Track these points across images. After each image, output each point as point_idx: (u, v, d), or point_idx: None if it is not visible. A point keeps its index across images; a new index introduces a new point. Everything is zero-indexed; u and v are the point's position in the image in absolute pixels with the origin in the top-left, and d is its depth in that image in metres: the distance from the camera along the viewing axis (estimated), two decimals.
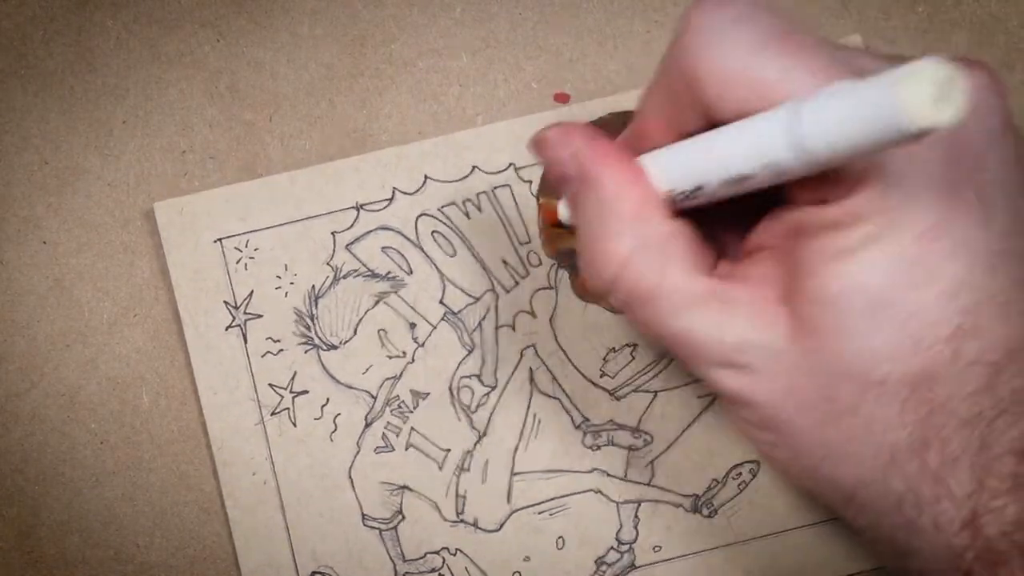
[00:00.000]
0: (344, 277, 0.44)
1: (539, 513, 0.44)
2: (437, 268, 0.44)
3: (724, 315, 0.32)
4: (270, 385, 0.44)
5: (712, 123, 0.32)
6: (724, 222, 0.36)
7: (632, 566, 0.44)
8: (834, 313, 0.31)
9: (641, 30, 0.45)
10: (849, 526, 0.34)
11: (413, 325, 0.44)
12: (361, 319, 0.44)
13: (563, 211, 0.40)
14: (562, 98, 0.45)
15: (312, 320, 0.44)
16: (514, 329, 0.44)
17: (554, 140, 0.35)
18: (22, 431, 0.45)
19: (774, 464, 0.34)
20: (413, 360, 0.44)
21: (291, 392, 0.44)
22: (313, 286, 0.44)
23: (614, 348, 0.44)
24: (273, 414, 0.44)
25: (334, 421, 0.44)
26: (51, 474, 0.44)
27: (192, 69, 0.46)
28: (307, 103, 0.45)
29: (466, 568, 0.44)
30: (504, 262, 0.44)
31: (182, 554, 0.44)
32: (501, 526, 0.44)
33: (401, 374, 0.44)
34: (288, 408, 0.44)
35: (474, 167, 0.45)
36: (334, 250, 0.44)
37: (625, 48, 0.45)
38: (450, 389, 0.44)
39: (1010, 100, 0.33)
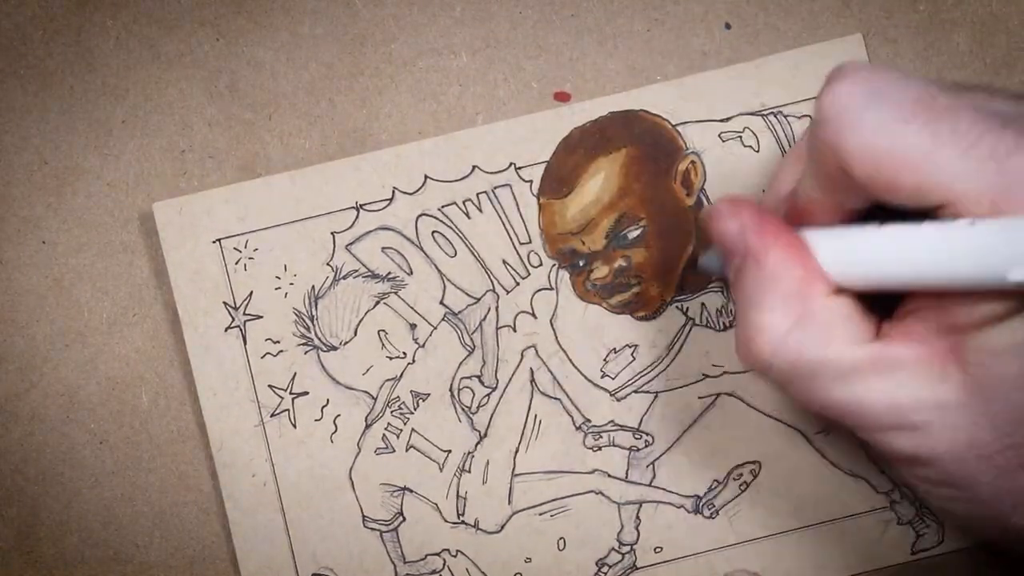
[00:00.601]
0: (344, 277, 0.44)
1: (540, 514, 0.44)
2: (437, 268, 0.44)
3: (893, 378, 0.32)
4: (270, 386, 0.44)
5: (872, 200, 0.32)
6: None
7: (633, 567, 0.43)
8: (1014, 361, 0.31)
9: (641, 29, 0.45)
10: None
11: (413, 326, 0.44)
12: (361, 320, 0.44)
13: (706, 260, 0.40)
14: (562, 97, 0.45)
15: (312, 321, 0.44)
16: (515, 330, 0.44)
17: (723, 213, 0.35)
18: (21, 431, 0.44)
19: (957, 518, 0.35)
20: (413, 361, 0.44)
21: (291, 393, 0.44)
22: (313, 287, 0.44)
23: (615, 349, 0.44)
24: (273, 415, 0.44)
25: (334, 422, 0.44)
26: (50, 474, 0.44)
27: (191, 69, 0.45)
28: (307, 103, 0.45)
29: (467, 569, 0.43)
30: (504, 262, 0.44)
31: (181, 554, 0.44)
32: (502, 527, 0.44)
33: (401, 375, 0.44)
34: (288, 409, 0.44)
35: (474, 167, 0.44)
36: (334, 250, 0.44)
37: (625, 47, 0.45)
38: (451, 390, 0.44)
39: None
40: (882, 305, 0.35)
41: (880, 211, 0.33)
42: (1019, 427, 0.31)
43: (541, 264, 0.44)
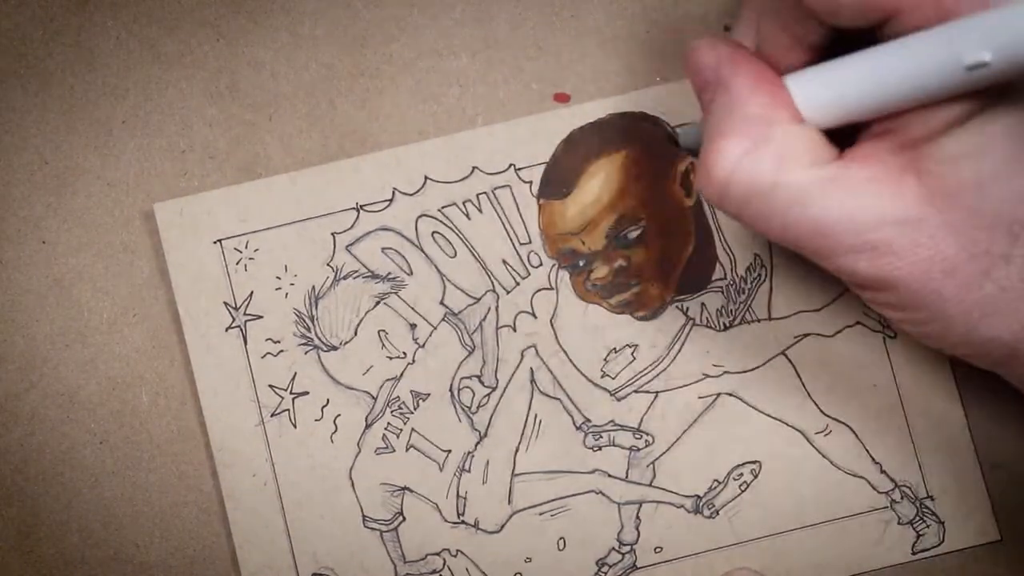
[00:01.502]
0: (344, 278, 0.44)
1: (540, 514, 0.44)
2: (437, 269, 0.44)
3: (852, 196, 0.32)
4: (270, 386, 0.44)
5: (827, 28, 0.32)
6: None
7: (633, 567, 0.43)
8: (971, 166, 0.30)
9: (641, 31, 0.45)
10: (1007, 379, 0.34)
11: (413, 326, 0.44)
12: (361, 320, 0.44)
13: (683, 136, 0.40)
14: (562, 98, 0.45)
15: (312, 321, 0.44)
16: (515, 330, 0.44)
17: (701, 47, 0.35)
18: (22, 431, 0.44)
19: (926, 340, 0.34)
20: (413, 361, 0.44)
21: (291, 393, 0.44)
22: (313, 287, 0.44)
23: (615, 348, 0.44)
24: (273, 415, 0.44)
25: (334, 422, 0.44)
26: (51, 474, 0.44)
27: (192, 69, 0.45)
28: (307, 103, 0.45)
29: (467, 569, 0.43)
30: (504, 263, 0.44)
31: (181, 554, 0.44)
32: (502, 527, 0.44)
33: (401, 375, 0.44)
34: (288, 409, 0.44)
35: (474, 168, 0.45)
36: (334, 251, 0.44)
37: (625, 49, 0.45)
38: (451, 390, 0.44)
39: None
40: (843, 139, 0.34)
41: (845, 47, 0.33)
42: (980, 233, 0.31)
43: (541, 264, 0.44)
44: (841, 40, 0.33)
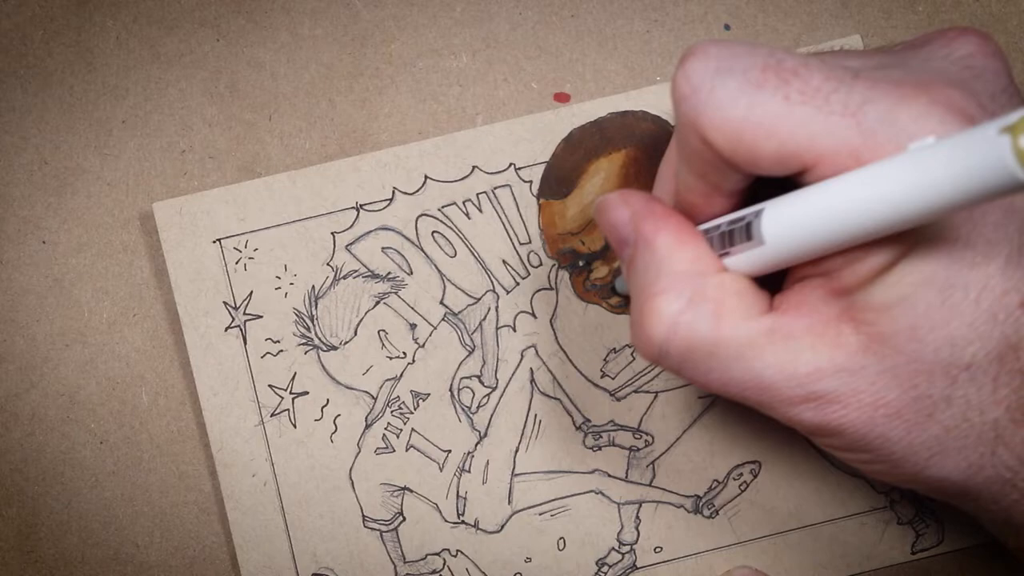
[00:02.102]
0: (344, 277, 0.44)
1: (540, 514, 0.44)
2: (437, 268, 0.44)
3: (789, 349, 0.32)
4: (270, 386, 0.44)
5: (743, 176, 0.32)
6: None
7: (633, 567, 0.43)
8: (904, 313, 0.30)
9: (641, 30, 0.45)
10: (960, 511, 0.34)
11: (413, 326, 0.44)
12: (361, 320, 0.44)
13: (619, 283, 0.41)
14: (562, 98, 0.45)
15: (312, 321, 0.44)
16: (514, 330, 0.44)
17: (613, 202, 0.35)
18: (22, 431, 0.44)
19: (878, 476, 0.34)
20: (413, 361, 0.44)
21: (291, 393, 0.44)
22: (313, 286, 0.44)
23: (615, 349, 0.44)
24: (273, 415, 0.44)
25: (334, 422, 0.44)
26: (51, 474, 0.44)
27: (192, 69, 0.45)
28: (307, 103, 0.45)
29: (467, 569, 0.43)
30: (504, 262, 0.44)
31: (181, 554, 0.44)
32: (502, 527, 0.44)
33: (401, 375, 0.44)
34: (288, 409, 0.44)
35: (474, 167, 0.44)
36: (334, 250, 0.44)
37: (625, 48, 0.45)
38: (450, 390, 0.44)
39: None
40: (770, 280, 0.34)
41: (761, 192, 0.33)
42: (920, 377, 0.31)
43: (541, 264, 0.44)
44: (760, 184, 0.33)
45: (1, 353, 0.45)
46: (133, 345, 0.44)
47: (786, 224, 0.31)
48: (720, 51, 0.31)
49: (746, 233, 0.32)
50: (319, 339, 0.44)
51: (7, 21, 0.46)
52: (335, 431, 0.44)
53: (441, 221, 0.44)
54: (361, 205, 0.44)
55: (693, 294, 0.33)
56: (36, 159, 0.45)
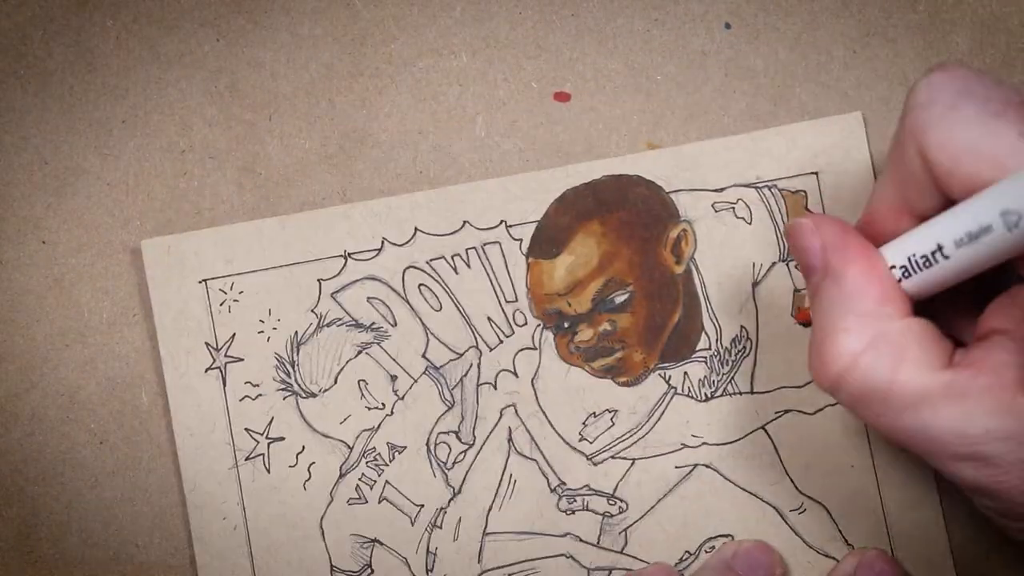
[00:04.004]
0: (327, 325, 0.44)
1: (510, 575, 0.44)
2: (422, 321, 0.44)
3: (963, 407, 0.32)
4: (246, 430, 0.44)
5: (946, 203, 0.32)
6: (959, 306, 0.36)
7: None
8: None
9: (641, 29, 0.45)
10: None
11: (394, 377, 0.44)
12: (342, 368, 0.44)
13: (802, 300, 0.42)
14: (562, 97, 0.45)
15: (293, 367, 0.44)
16: (495, 387, 0.44)
17: (807, 229, 0.36)
18: (22, 431, 0.44)
19: (1017, 534, 0.34)
20: (392, 413, 0.44)
21: (267, 438, 0.44)
22: (296, 332, 0.44)
23: (594, 413, 0.44)
24: (248, 459, 0.44)
25: (308, 470, 0.44)
26: (51, 474, 0.44)
27: (192, 69, 0.45)
28: (307, 103, 0.45)
29: None
30: (489, 319, 0.44)
31: (181, 554, 0.44)
32: None
33: (379, 426, 0.44)
34: (263, 454, 0.44)
35: (465, 222, 0.44)
36: (319, 297, 0.44)
37: (625, 47, 0.45)
38: (427, 444, 0.44)
39: None
40: (957, 333, 0.35)
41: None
42: None
43: (526, 323, 0.44)
44: None
45: (1, 353, 0.45)
46: (133, 345, 0.44)
47: None
48: (968, 74, 0.32)
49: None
50: (299, 385, 0.44)
51: (7, 21, 0.46)
52: (309, 479, 0.44)
53: (428, 274, 0.44)
54: (349, 254, 0.44)
55: (876, 336, 0.33)
56: (36, 159, 0.45)
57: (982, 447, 0.32)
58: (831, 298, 0.35)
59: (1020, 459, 0.32)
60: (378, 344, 0.44)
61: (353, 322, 0.44)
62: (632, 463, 0.44)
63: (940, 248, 0.33)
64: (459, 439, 0.44)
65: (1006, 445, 0.32)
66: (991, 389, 0.32)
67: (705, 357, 0.44)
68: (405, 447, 0.44)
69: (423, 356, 0.44)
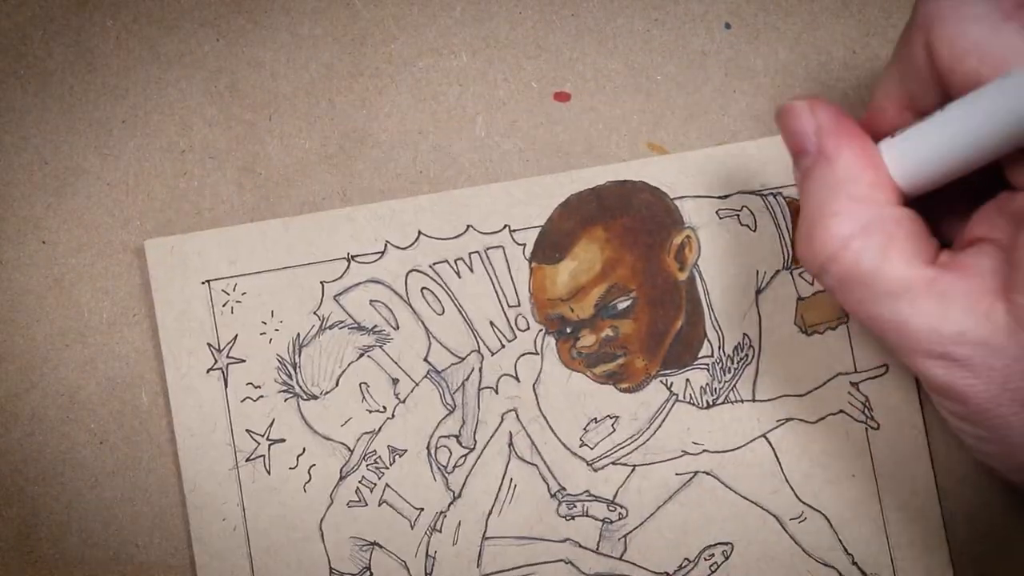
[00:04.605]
0: (330, 327, 0.44)
1: None
2: (424, 325, 0.44)
3: (942, 306, 0.32)
4: (247, 431, 0.44)
5: (946, 98, 0.32)
6: (947, 209, 0.36)
7: None
8: None
9: (641, 29, 0.45)
10: None
11: (396, 381, 0.44)
12: (344, 371, 0.44)
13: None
14: (562, 97, 0.45)
15: (294, 368, 0.44)
16: (497, 392, 0.44)
17: (800, 110, 0.35)
18: (22, 431, 0.44)
19: (987, 458, 0.34)
20: (393, 416, 0.44)
21: (268, 439, 0.44)
22: (298, 334, 0.44)
23: (596, 418, 0.44)
24: (248, 460, 0.44)
25: (308, 472, 0.44)
26: (51, 474, 0.44)
27: (192, 69, 0.45)
28: (307, 103, 0.45)
29: None
30: (492, 324, 0.44)
31: (181, 554, 0.44)
32: None
33: (380, 429, 0.44)
34: (263, 455, 0.44)
35: (469, 226, 0.44)
36: (322, 299, 0.44)
37: (625, 47, 0.45)
38: (428, 448, 0.44)
39: None
40: (943, 233, 0.35)
41: None
42: None
43: (528, 328, 0.44)
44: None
45: (1, 353, 0.45)
46: (133, 345, 0.44)
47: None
48: None
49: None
50: (300, 387, 0.44)
51: (7, 21, 0.46)
52: (309, 480, 0.44)
53: (431, 278, 0.44)
54: (352, 256, 0.44)
55: (868, 223, 0.33)
56: (36, 159, 0.45)
57: (955, 348, 0.32)
58: (823, 181, 0.34)
59: (990, 365, 0.32)
60: (380, 347, 0.44)
61: (355, 325, 0.44)
62: (632, 469, 0.44)
63: (933, 143, 0.33)
64: (460, 443, 0.44)
65: (978, 350, 0.32)
66: (971, 293, 0.32)
67: (707, 364, 0.44)
68: (406, 450, 0.44)
69: (425, 360, 0.44)
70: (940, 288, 0.33)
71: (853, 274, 0.34)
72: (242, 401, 0.44)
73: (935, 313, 0.33)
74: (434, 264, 0.44)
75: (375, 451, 0.44)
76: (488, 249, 0.44)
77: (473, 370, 0.44)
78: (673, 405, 0.44)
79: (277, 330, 0.44)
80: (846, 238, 0.33)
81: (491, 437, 0.44)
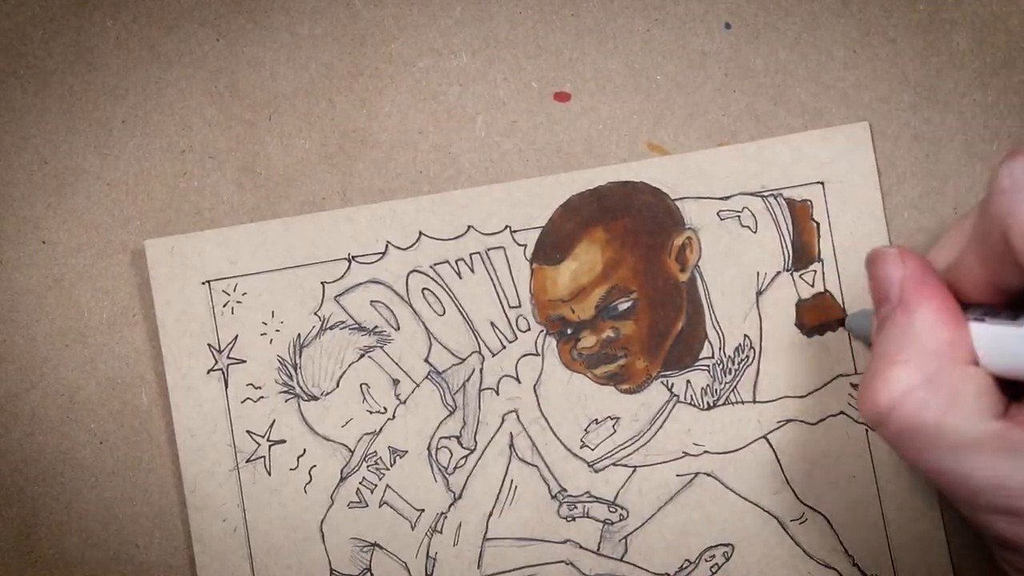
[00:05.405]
0: (330, 328, 0.44)
1: None
2: (425, 326, 0.44)
3: (1008, 461, 0.32)
4: (248, 432, 0.44)
5: None
6: None
7: None
8: None
9: (641, 29, 0.45)
10: None
11: (396, 381, 0.44)
12: (344, 372, 0.44)
13: (853, 321, 0.41)
14: (562, 97, 0.45)
15: (295, 369, 0.44)
16: (497, 393, 0.44)
17: (890, 258, 0.35)
18: (22, 431, 0.44)
19: None
20: (394, 417, 0.44)
21: (268, 440, 0.44)
22: (299, 335, 0.44)
23: (596, 419, 0.44)
24: (248, 461, 0.44)
25: (309, 473, 0.44)
26: (51, 474, 0.44)
27: (191, 69, 0.45)
28: (307, 103, 0.45)
29: None
30: (492, 325, 0.44)
31: (181, 554, 0.44)
32: None
33: (380, 430, 0.44)
34: (264, 456, 0.44)
35: (470, 227, 0.44)
36: (322, 300, 0.44)
37: (625, 47, 0.45)
38: (428, 449, 0.44)
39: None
40: (1014, 388, 0.34)
41: None
42: None
43: (529, 329, 0.44)
44: None
45: (1, 353, 0.45)
46: (133, 345, 0.44)
47: None
48: None
49: (1012, 314, 0.33)
50: (301, 388, 0.44)
51: (7, 21, 0.46)
52: (309, 482, 0.44)
53: (432, 278, 0.44)
54: (353, 257, 0.44)
55: (934, 375, 0.33)
56: (36, 159, 0.45)
57: (1018, 502, 0.32)
58: (899, 330, 0.34)
59: None
60: (381, 348, 0.44)
61: (356, 325, 0.44)
62: (633, 471, 0.44)
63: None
64: (460, 444, 0.44)
65: None
66: None
67: (708, 365, 0.44)
68: (406, 451, 0.44)
69: (425, 360, 0.44)
70: (1009, 442, 0.32)
71: (914, 426, 0.33)
72: (242, 402, 0.44)
73: (1003, 469, 0.32)
74: (435, 265, 0.44)
75: (376, 452, 0.44)
76: (489, 250, 0.44)
77: (474, 371, 0.44)
78: (674, 406, 0.44)
79: (278, 331, 0.44)
80: (910, 388, 0.33)
81: (492, 438, 0.44)
